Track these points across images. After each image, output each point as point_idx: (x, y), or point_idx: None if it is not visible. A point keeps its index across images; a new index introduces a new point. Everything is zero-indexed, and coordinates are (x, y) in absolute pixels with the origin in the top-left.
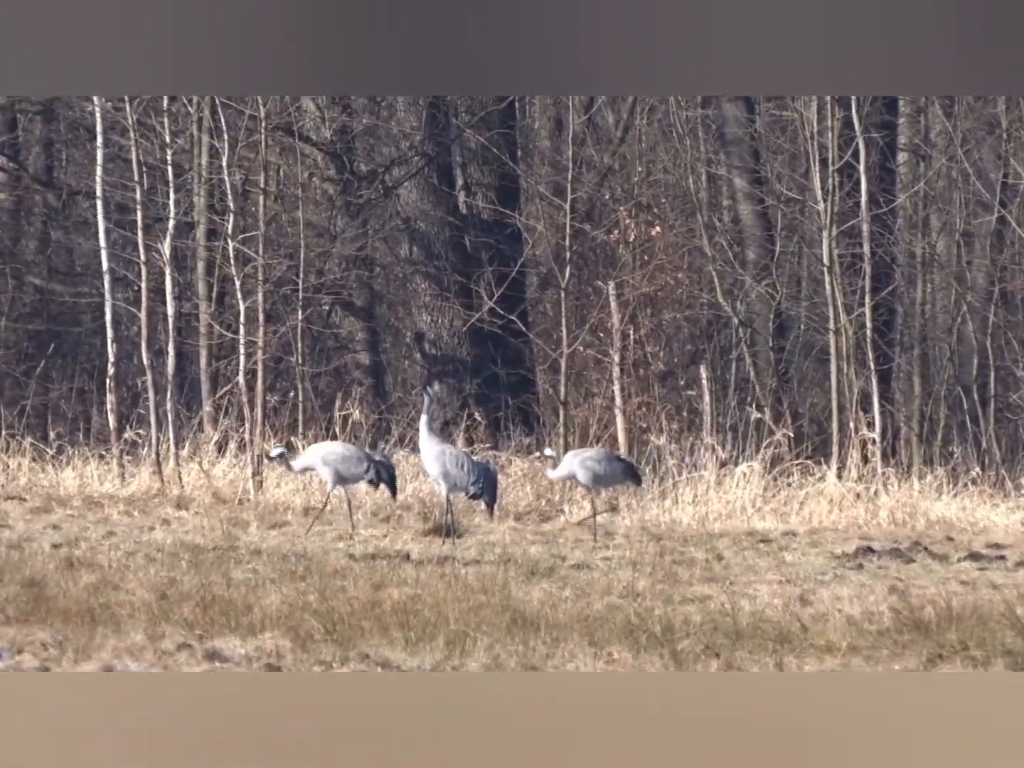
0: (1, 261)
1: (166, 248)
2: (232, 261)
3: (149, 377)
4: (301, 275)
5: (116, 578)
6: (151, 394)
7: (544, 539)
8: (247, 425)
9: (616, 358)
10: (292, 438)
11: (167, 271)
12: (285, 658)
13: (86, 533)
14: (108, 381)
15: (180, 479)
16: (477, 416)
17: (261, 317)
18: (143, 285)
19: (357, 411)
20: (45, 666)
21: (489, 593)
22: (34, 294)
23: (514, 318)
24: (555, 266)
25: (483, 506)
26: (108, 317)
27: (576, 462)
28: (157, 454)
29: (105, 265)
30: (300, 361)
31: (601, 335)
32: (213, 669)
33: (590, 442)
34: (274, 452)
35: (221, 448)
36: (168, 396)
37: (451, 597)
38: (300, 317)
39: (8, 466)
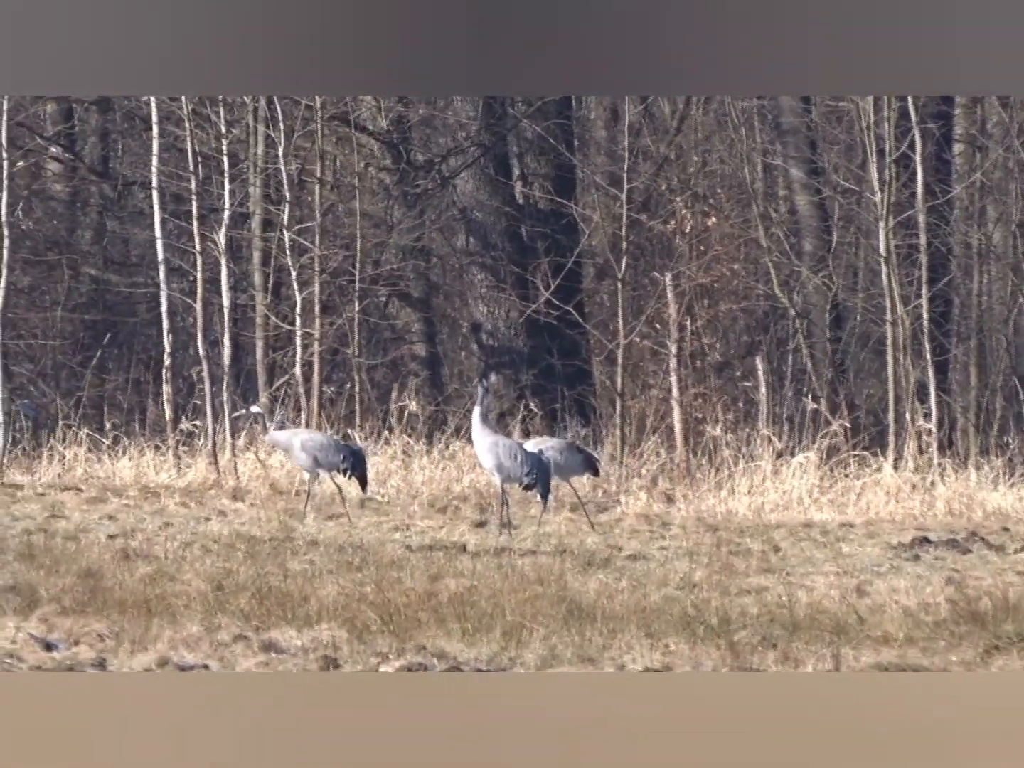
0: (57, 251)
1: (221, 238)
2: (288, 252)
3: (205, 368)
4: (357, 266)
5: (172, 569)
6: (207, 385)
7: (600, 529)
8: (303, 416)
9: (673, 349)
10: (349, 430)
11: (222, 261)
12: (342, 649)
13: (142, 524)
14: (164, 371)
15: (236, 470)
16: (533, 407)
17: (317, 308)
18: (198, 275)
19: (413, 402)
20: (101, 657)
21: (545, 584)
22: (90, 284)
23: (570, 309)
24: (611, 257)
25: (537, 497)
26: (164, 307)
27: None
28: (213, 444)
29: (160, 255)
30: (356, 352)
31: (658, 326)
32: (269, 660)
33: (647, 433)
34: (255, 408)
35: None
36: (224, 387)
37: (507, 588)
38: (356, 308)
39: (64, 456)
